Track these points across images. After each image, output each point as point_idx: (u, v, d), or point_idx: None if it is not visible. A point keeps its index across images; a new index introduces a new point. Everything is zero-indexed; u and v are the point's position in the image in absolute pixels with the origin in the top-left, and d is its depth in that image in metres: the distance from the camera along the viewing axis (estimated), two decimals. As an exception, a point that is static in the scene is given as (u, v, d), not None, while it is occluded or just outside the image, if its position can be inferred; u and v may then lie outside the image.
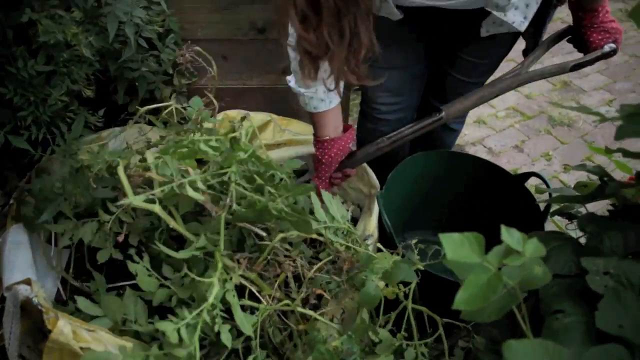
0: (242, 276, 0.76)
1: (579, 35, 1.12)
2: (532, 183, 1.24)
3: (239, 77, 1.51)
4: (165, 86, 1.29)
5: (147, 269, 0.81)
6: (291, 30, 0.84)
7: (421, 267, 0.82)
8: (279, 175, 0.83)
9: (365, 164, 1.24)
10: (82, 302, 0.81)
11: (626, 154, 0.80)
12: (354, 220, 1.28)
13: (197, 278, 0.69)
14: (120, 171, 0.68)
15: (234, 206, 0.74)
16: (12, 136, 0.84)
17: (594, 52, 1.11)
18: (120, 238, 0.82)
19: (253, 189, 0.77)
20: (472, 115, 2.26)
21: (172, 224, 0.74)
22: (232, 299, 0.70)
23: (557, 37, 1.19)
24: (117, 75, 1.07)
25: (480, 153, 2.03)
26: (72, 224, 0.87)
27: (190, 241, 0.77)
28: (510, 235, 0.59)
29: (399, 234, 1.11)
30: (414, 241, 0.91)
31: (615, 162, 1.00)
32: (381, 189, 1.19)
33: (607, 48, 1.10)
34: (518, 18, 0.97)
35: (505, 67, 1.21)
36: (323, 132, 1.12)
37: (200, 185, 0.71)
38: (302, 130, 1.43)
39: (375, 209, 1.11)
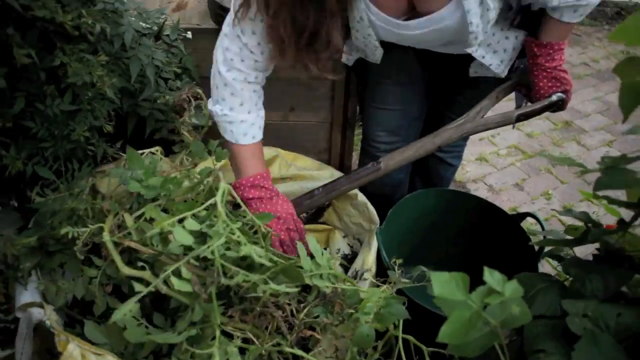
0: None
1: (529, 80, 1.10)
2: (532, 221, 1.27)
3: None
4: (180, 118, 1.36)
5: (136, 318, 0.82)
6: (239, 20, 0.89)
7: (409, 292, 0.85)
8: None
9: (366, 200, 1.29)
10: (87, 329, 0.86)
11: (610, 201, 0.85)
12: (355, 254, 1.33)
13: (197, 351, 0.70)
14: (107, 241, 0.73)
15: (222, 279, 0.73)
16: (38, 166, 0.91)
17: (542, 101, 1.08)
18: (108, 289, 0.86)
19: (238, 259, 0.76)
20: (474, 152, 2.32)
21: (164, 290, 0.74)
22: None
23: (509, 88, 1.16)
24: (129, 112, 1.14)
25: (481, 190, 2.08)
26: (67, 283, 0.91)
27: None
28: (491, 276, 0.63)
29: (399, 269, 1.15)
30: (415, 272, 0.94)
31: (605, 207, 1.04)
32: (381, 224, 1.24)
33: (555, 97, 1.07)
34: (495, 61, 1.04)
35: (504, 106, 1.25)
36: (253, 167, 1.06)
37: (185, 273, 0.71)
38: (308, 165, 1.48)
39: (374, 243, 1.15)
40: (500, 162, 2.26)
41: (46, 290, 0.92)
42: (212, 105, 1.04)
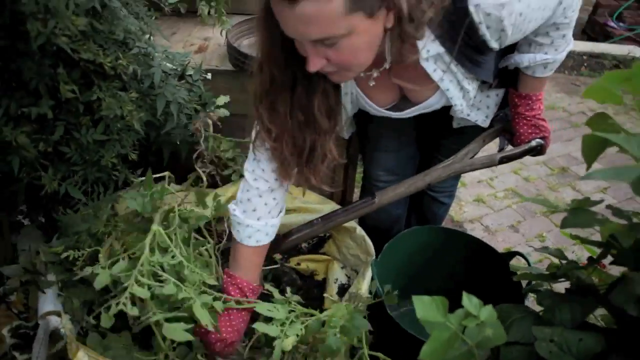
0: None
1: (511, 127, 1.19)
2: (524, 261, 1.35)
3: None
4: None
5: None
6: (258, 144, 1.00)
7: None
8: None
9: (364, 233, 1.38)
10: (90, 339, 0.94)
11: (583, 240, 0.94)
12: (351, 285, 1.40)
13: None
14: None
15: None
16: (70, 186, 1.01)
17: (522, 146, 1.17)
18: None
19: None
20: (473, 194, 2.41)
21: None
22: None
23: (494, 133, 1.25)
24: (157, 142, 1.26)
25: (478, 230, 2.16)
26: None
27: None
28: (469, 301, 0.72)
29: (394, 302, 1.22)
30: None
31: (584, 246, 1.12)
32: (376, 258, 1.32)
33: (534, 143, 1.15)
34: (480, 117, 1.15)
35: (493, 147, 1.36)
36: (246, 272, 1.09)
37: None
38: (312, 199, 1.57)
39: (369, 274, 1.23)
40: (497, 204, 2.35)
41: (65, 301, 1.01)
42: (231, 203, 1.11)
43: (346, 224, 1.42)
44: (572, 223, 0.78)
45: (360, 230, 1.40)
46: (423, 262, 1.53)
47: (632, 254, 0.74)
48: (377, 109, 1.10)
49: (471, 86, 1.02)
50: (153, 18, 1.27)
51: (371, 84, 0.98)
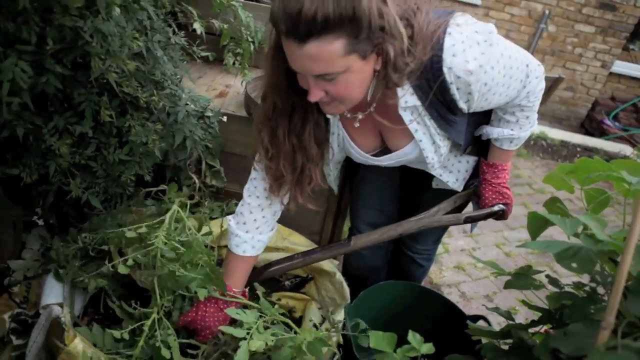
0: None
1: (479, 191, 1.32)
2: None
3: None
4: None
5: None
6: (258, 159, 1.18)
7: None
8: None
9: (343, 279, 1.50)
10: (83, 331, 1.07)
11: (529, 306, 1.07)
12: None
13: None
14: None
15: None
16: (91, 196, 1.16)
17: (485, 209, 1.27)
18: None
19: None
20: (454, 261, 2.53)
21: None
22: None
23: (465, 196, 1.36)
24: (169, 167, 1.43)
25: (454, 295, 2.26)
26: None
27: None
28: (414, 338, 0.85)
29: (365, 350, 1.30)
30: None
31: (531, 310, 1.24)
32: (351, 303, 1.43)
33: (496, 207, 1.27)
34: (451, 179, 1.30)
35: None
36: (233, 278, 1.24)
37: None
38: (300, 242, 1.70)
39: (340, 316, 1.33)
40: (476, 274, 2.46)
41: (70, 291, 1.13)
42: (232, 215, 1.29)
43: (327, 269, 1.54)
44: (514, 285, 0.92)
45: (339, 276, 1.52)
46: (396, 314, 1.63)
47: (557, 315, 0.87)
48: (358, 152, 1.24)
49: (443, 143, 1.15)
50: (185, 62, 1.47)
51: (356, 125, 1.14)
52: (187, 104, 1.34)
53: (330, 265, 1.56)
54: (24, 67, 0.86)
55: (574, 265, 0.77)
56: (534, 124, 1.22)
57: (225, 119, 1.66)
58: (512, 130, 1.20)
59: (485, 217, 1.29)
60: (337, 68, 0.90)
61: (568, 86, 5.53)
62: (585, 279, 0.90)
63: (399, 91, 1.04)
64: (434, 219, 1.29)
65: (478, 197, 1.34)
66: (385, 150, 1.24)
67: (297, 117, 1.08)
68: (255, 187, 1.22)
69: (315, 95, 0.96)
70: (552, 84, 3.48)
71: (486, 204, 1.30)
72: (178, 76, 1.40)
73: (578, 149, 4.64)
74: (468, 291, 2.32)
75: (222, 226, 1.52)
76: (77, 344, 0.99)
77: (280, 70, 0.99)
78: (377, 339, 0.89)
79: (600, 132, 5.29)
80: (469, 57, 0.98)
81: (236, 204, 1.33)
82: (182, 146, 1.38)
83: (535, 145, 4.62)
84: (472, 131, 1.24)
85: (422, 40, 0.96)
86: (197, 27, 1.62)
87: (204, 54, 1.55)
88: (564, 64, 5.45)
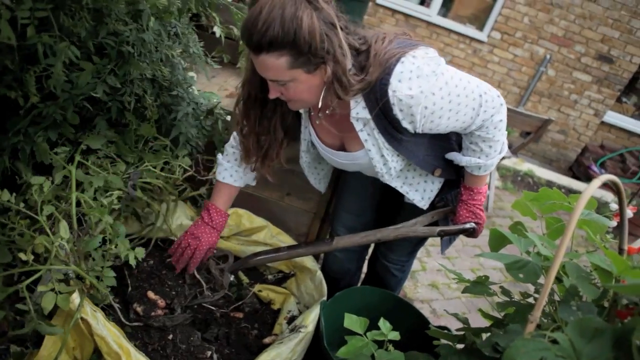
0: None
1: (455, 209, 1.43)
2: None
3: (254, 189, 1.95)
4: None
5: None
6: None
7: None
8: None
9: (322, 278, 1.61)
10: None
11: (484, 314, 1.19)
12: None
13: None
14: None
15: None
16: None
17: (458, 225, 1.38)
18: None
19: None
20: (429, 279, 2.65)
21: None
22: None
23: (441, 212, 1.47)
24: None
25: (425, 311, 2.37)
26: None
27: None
28: (384, 325, 0.97)
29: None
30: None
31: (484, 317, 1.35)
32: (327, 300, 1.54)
33: (468, 225, 1.37)
34: (417, 197, 1.42)
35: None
36: (215, 198, 1.46)
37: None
38: (287, 241, 1.79)
39: (316, 310, 1.44)
40: (449, 294, 2.58)
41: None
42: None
43: (309, 266, 1.66)
44: (471, 290, 1.05)
45: (320, 275, 1.63)
46: (368, 317, 1.74)
47: (504, 320, 0.99)
48: (321, 146, 1.38)
49: (391, 158, 1.26)
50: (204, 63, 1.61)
51: (317, 122, 1.32)
52: (190, 103, 1.49)
53: (312, 263, 1.68)
54: (74, 51, 1.04)
55: (521, 275, 0.90)
56: (503, 151, 1.32)
57: (229, 117, 1.78)
58: (479, 158, 1.30)
59: (457, 232, 1.40)
60: (284, 77, 1.09)
61: (561, 129, 5.73)
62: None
63: (352, 103, 1.19)
64: (410, 229, 1.41)
65: (453, 215, 1.46)
66: (342, 149, 1.37)
67: (269, 107, 1.28)
68: (232, 146, 1.46)
69: (273, 93, 1.16)
70: (541, 125, 3.67)
71: (459, 221, 1.41)
72: (188, 82, 1.55)
73: (562, 190, 4.80)
74: (439, 308, 2.44)
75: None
76: (75, 297, 1.10)
77: (254, 69, 1.16)
78: (351, 321, 1.01)
79: (586, 177, 5.48)
80: (413, 85, 1.11)
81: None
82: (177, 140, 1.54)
83: (522, 182, 4.79)
84: (434, 154, 1.33)
85: (377, 64, 1.11)
86: (217, 31, 1.75)
87: (216, 66, 1.69)
88: (559, 108, 5.66)
